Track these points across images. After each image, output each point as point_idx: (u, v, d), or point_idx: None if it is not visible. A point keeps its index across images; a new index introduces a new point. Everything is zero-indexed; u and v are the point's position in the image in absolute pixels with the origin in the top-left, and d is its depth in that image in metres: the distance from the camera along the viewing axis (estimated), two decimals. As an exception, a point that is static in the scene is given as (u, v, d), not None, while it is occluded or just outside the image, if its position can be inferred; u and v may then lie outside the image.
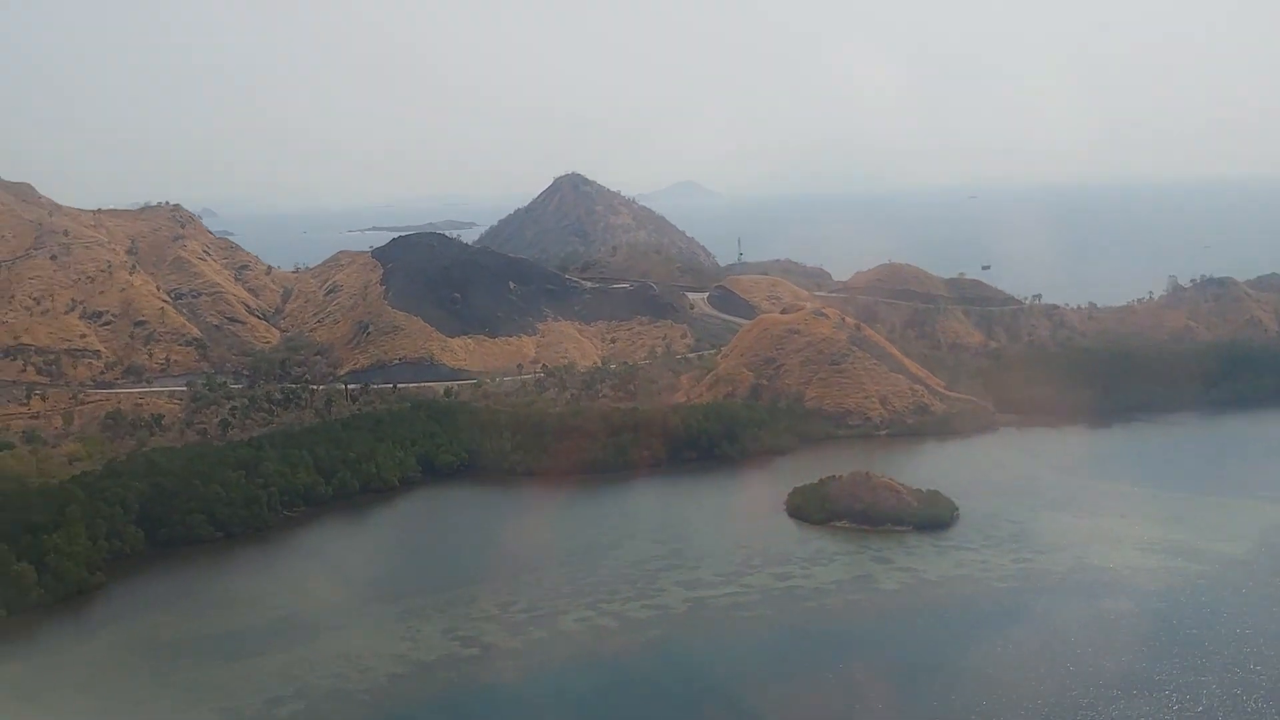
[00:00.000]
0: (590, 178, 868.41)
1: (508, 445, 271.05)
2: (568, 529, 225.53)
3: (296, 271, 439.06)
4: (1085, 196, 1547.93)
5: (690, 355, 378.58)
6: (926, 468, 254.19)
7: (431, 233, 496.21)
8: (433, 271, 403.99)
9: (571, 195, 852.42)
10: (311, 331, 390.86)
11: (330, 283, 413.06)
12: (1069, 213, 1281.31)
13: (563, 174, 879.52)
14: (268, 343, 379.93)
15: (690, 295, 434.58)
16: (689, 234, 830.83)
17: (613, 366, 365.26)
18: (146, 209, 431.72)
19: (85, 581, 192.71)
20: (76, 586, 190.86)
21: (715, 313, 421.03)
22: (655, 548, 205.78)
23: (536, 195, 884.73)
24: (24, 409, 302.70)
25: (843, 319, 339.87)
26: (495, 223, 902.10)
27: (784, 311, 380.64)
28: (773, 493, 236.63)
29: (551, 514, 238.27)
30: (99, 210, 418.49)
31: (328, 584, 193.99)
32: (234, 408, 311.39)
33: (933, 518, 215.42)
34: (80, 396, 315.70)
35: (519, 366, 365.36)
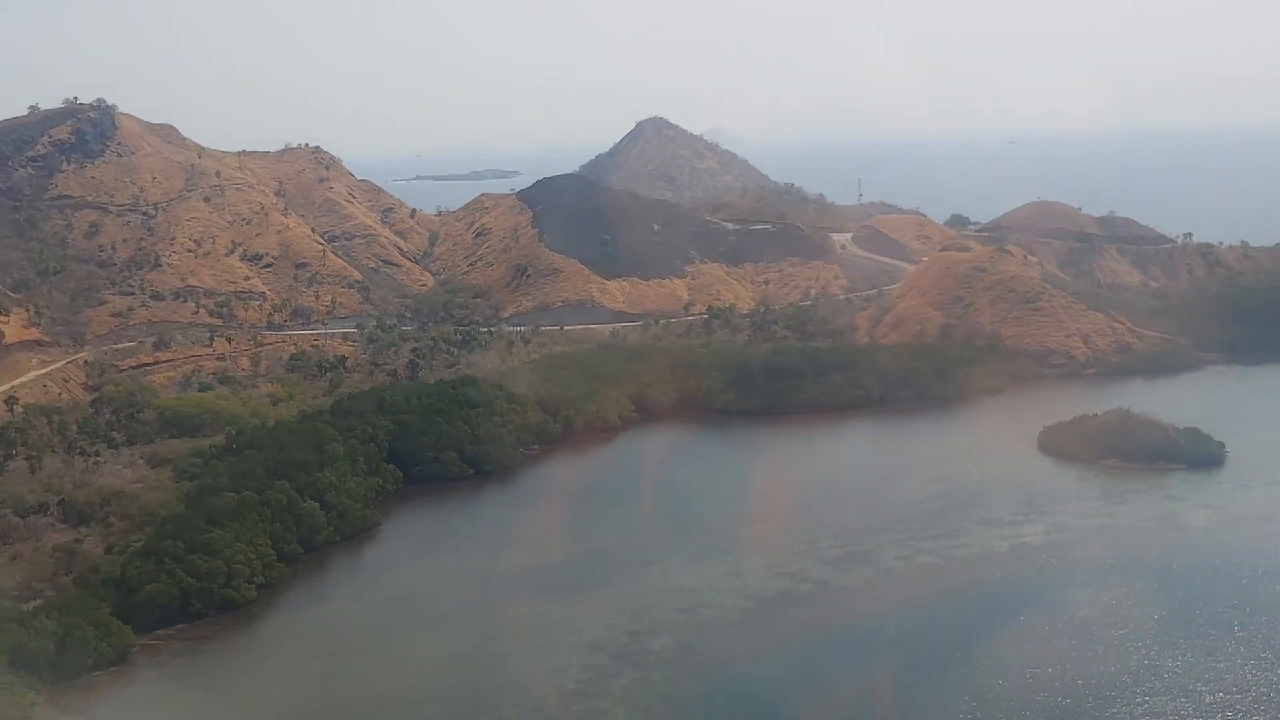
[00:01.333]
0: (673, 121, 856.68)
1: (717, 385, 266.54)
2: (818, 468, 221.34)
3: (440, 215, 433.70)
4: (1136, 142, 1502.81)
5: (851, 296, 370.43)
6: (1159, 406, 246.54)
7: (575, 175, 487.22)
8: (582, 214, 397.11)
9: (655, 139, 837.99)
10: (464, 275, 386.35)
11: (477, 226, 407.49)
12: (1140, 156, 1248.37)
13: (645, 118, 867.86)
14: (423, 286, 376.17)
15: (833, 236, 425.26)
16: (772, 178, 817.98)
17: (775, 307, 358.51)
18: (287, 151, 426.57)
19: (366, 519, 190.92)
20: (360, 524, 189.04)
21: (864, 253, 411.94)
22: (927, 486, 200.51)
23: (618, 140, 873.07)
24: (208, 351, 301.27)
25: (1026, 257, 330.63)
26: (578, 167, 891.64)
27: (945, 249, 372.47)
28: (1016, 431, 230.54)
29: (790, 452, 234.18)
30: (243, 153, 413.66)
31: (611, 520, 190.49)
32: (416, 349, 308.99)
33: (1204, 455, 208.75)
34: (259, 339, 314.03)
35: (685, 308, 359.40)
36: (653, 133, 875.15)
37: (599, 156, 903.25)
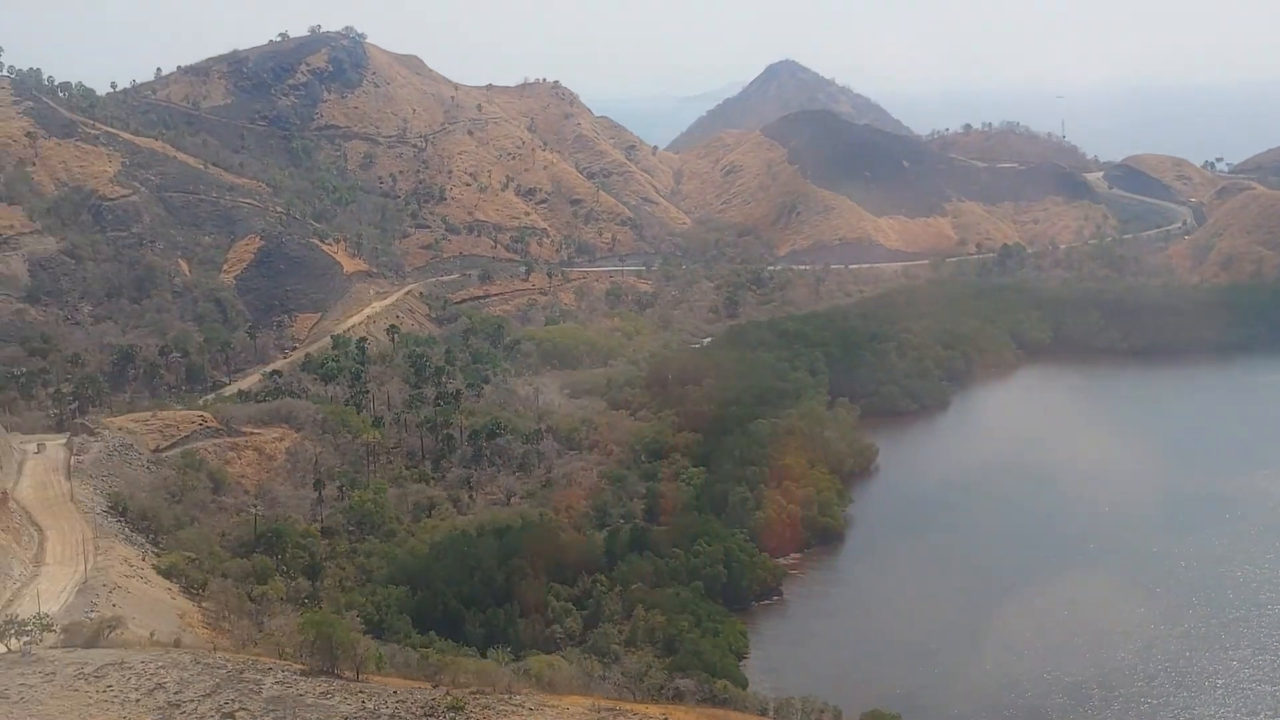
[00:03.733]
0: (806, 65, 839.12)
1: (1094, 323, 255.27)
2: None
3: (679, 152, 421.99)
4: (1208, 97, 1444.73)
5: (1126, 237, 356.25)
6: None
7: (822, 111, 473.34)
8: (836, 150, 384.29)
9: (790, 83, 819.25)
10: (719, 212, 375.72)
11: (724, 163, 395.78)
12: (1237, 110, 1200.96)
13: (776, 61, 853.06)
14: (682, 224, 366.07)
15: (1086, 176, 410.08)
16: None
17: (1060, 246, 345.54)
18: (526, 86, 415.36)
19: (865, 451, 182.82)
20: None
21: (1125, 193, 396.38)
22: None
23: (749, 83, 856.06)
24: (527, 285, 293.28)
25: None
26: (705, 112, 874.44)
27: (1224, 190, 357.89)
28: None
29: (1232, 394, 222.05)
30: (490, 86, 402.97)
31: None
32: (719, 286, 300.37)
33: None
34: (565, 274, 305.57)
35: (976, 247, 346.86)
36: (786, 76, 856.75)
37: (727, 101, 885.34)
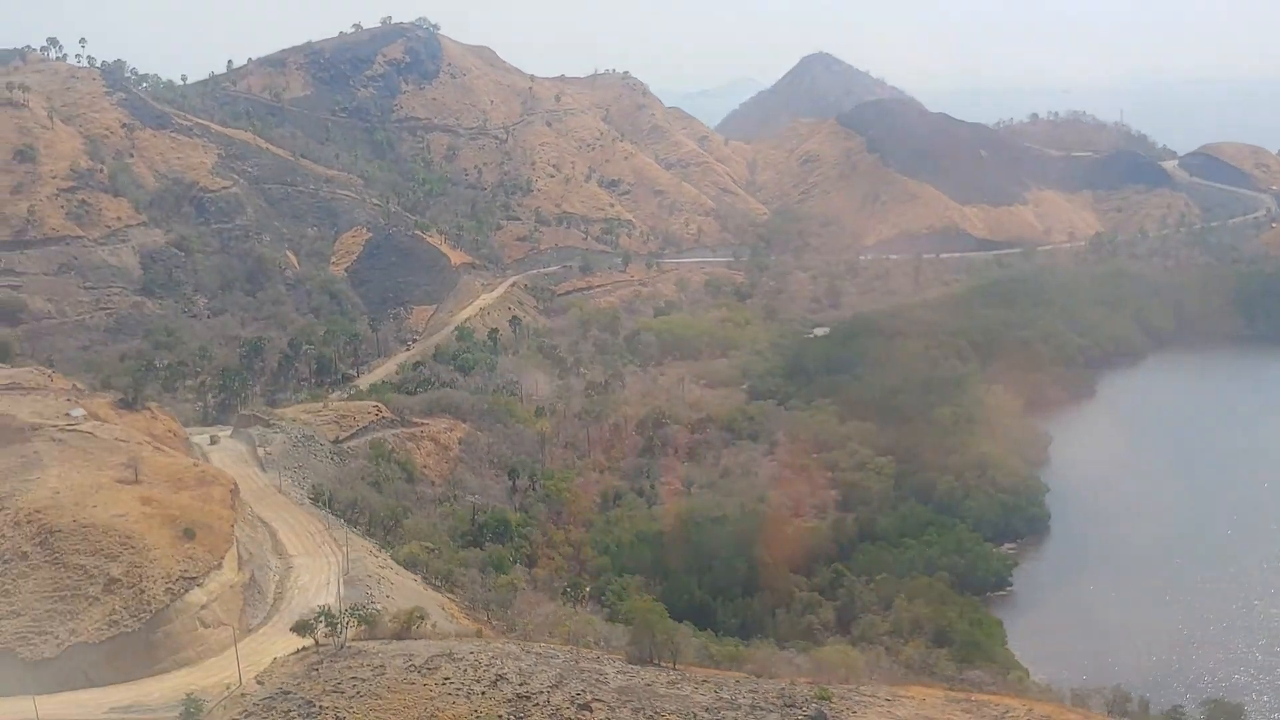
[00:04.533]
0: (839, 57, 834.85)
1: (1216, 309, 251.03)
2: None
3: (751, 143, 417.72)
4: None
5: (1213, 224, 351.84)
6: None
7: (896, 99, 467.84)
8: (914, 138, 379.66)
9: (824, 75, 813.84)
10: (798, 202, 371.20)
11: (800, 153, 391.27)
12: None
13: (810, 53, 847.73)
14: (761, 213, 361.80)
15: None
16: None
17: (1149, 234, 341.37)
18: (597, 77, 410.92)
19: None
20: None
21: (1204, 181, 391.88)
22: None
23: (780, 76, 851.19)
24: (626, 276, 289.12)
25: None
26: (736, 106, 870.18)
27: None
28: None
29: None
30: (562, 77, 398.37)
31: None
32: (826, 276, 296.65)
33: None
34: (659, 266, 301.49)
35: (1069, 235, 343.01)
36: (820, 68, 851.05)
37: (761, 93, 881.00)
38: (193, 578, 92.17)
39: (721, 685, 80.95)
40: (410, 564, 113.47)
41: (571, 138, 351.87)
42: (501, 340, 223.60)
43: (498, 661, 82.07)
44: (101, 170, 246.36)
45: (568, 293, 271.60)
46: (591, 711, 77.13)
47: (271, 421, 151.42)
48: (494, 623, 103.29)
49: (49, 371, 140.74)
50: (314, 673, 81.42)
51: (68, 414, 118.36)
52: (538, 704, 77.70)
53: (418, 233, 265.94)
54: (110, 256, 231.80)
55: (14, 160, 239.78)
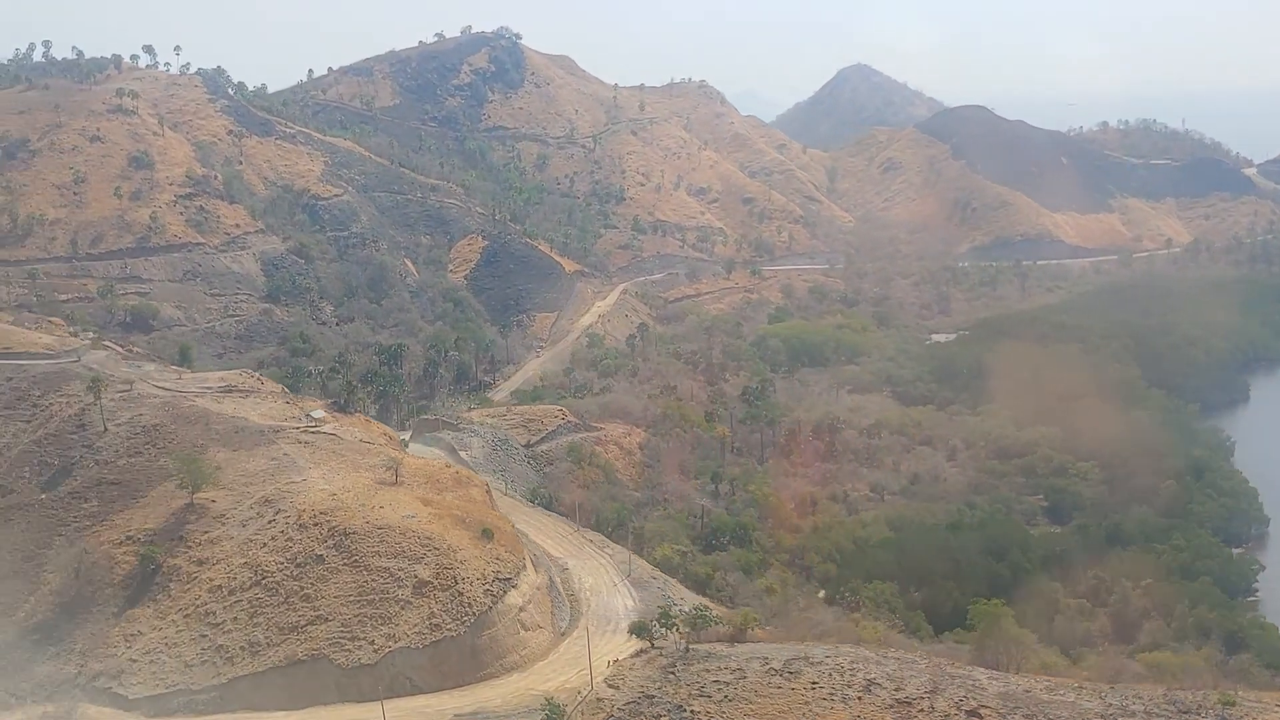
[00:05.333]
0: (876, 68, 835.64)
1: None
2: None
3: (829, 151, 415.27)
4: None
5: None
6: None
7: (976, 106, 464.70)
8: (995, 146, 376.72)
9: (864, 87, 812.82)
10: (882, 210, 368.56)
11: (882, 159, 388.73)
12: None
13: (848, 65, 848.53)
14: (847, 220, 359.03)
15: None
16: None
17: (1244, 240, 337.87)
18: (673, 85, 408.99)
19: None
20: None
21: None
22: None
23: (819, 88, 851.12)
24: (730, 283, 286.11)
25: None
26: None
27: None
28: None
29: None
30: (642, 86, 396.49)
31: None
32: (931, 283, 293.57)
33: None
34: (761, 272, 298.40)
35: (1168, 242, 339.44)
36: (859, 80, 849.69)
37: (798, 105, 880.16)
38: (506, 579, 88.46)
39: (1111, 693, 76.71)
40: (666, 567, 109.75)
41: (656, 146, 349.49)
42: (635, 347, 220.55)
43: (859, 666, 78.16)
44: (216, 177, 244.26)
45: (679, 299, 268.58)
46: (981, 718, 73.32)
47: (461, 425, 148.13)
48: (769, 627, 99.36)
49: (256, 374, 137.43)
50: (670, 676, 77.71)
51: (309, 415, 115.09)
52: (921, 710, 73.75)
53: (528, 240, 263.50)
54: (233, 264, 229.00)
55: (130, 167, 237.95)
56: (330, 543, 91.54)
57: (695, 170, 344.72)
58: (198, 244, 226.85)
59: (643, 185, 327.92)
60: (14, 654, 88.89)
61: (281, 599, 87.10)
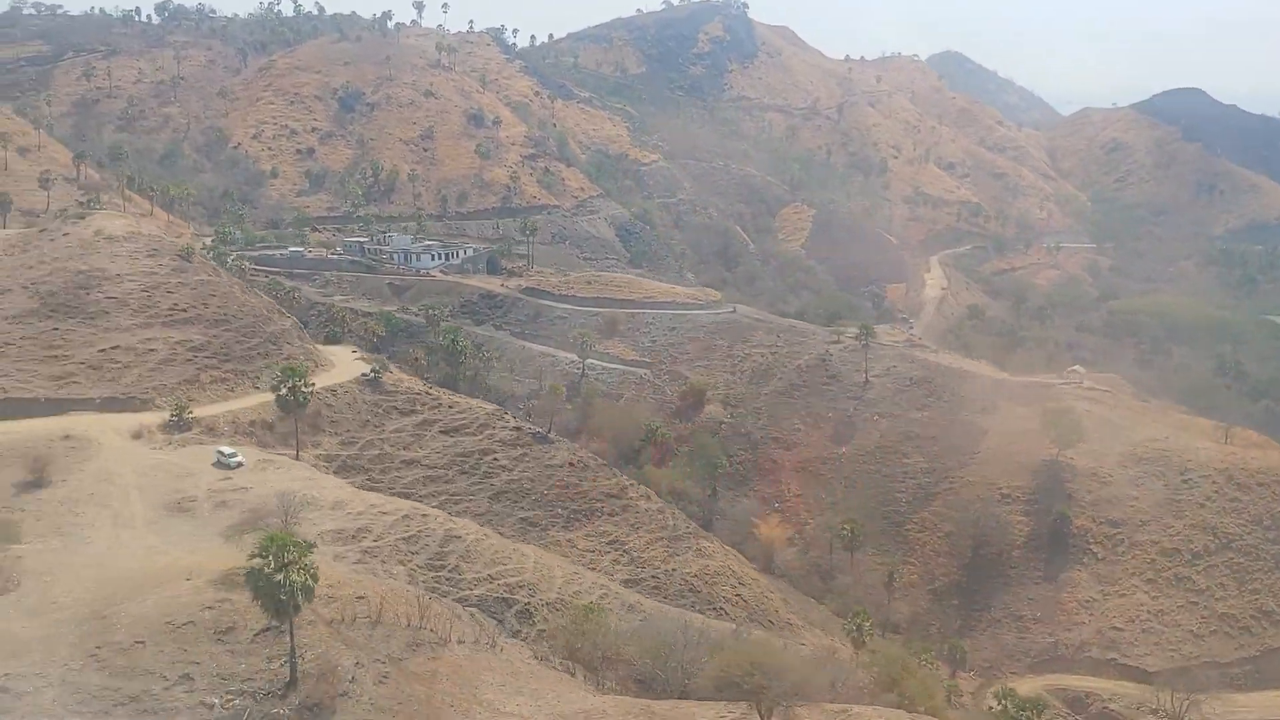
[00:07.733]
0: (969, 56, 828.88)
1: None
2: None
3: (1040, 130, 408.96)
4: None
5: None
6: None
7: (1191, 89, 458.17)
8: (1227, 129, 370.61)
9: (959, 74, 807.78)
10: (1114, 190, 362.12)
11: (1101, 140, 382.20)
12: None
13: (938, 52, 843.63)
14: (1084, 199, 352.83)
15: None
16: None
17: None
18: (886, 59, 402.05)
19: None
20: None
21: None
22: None
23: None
24: (1032, 258, 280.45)
25: None
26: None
27: None
28: None
29: None
30: (862, 59, 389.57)
31: None
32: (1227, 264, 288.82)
33: None
34: (1053, 249, 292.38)
35: None
36: (954, 67, 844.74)
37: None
38: None
39: None
40: None
41: (896, 119, 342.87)
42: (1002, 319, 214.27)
43: None
44: (549, 139, 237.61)
45: (1001, 272, 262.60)
46: None
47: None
48: None
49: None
50: None
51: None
52: None
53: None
54: (589, 227, 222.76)
55: (470, 124, 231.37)
56: None
57: (938, 144, 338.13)
58: (554, 206, 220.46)
59: (895, 158, 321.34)
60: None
61: None
